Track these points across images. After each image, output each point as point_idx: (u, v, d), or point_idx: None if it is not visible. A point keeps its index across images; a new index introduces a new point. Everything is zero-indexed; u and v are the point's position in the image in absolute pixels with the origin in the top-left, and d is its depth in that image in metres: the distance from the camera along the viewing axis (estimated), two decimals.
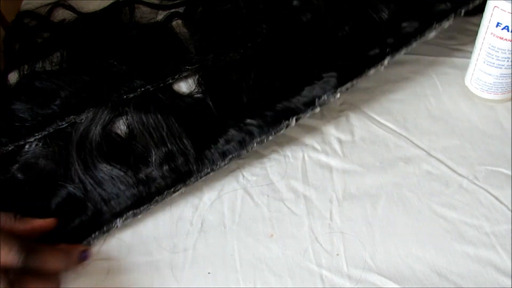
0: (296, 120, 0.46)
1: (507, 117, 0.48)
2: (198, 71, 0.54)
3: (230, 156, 0.45)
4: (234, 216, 0.44)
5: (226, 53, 0.54)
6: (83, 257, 0.42)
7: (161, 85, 0.52)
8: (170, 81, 0.52)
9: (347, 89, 0.47)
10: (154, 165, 0.45)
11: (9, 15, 0.65)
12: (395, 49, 0.48)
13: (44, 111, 0.51)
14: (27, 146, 0.49)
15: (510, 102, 0.50)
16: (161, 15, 0.62)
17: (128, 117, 0.49)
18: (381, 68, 0.48)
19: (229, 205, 0.45)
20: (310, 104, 0.46)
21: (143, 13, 0.62)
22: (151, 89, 0.51)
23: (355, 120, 0.50)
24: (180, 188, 0.45)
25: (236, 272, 0.41)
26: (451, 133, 0.48)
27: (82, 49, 0.57)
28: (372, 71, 0.48)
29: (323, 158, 0.47)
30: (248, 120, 0.47)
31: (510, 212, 0.42)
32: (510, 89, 0.48)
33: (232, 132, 0.46)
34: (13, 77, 0.56)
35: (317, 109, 0.46)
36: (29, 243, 0.39)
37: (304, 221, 0.43)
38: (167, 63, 0.54)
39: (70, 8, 0.63)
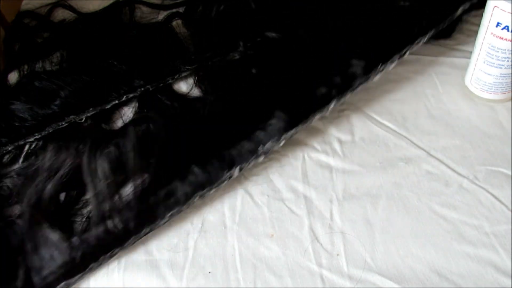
0: (240, 170, 0.44)
1: (507, 117, 0.48)
2: (197, 70, 0.54)
3: (171, 212, 0.42)
4: (234, 216, 0.44)
5: (226, 53, 0.54)
6: None
7: (161, 85, 0.52)
8: (170, 81, 0.52)
9: (291, 136, 0.45)
10: (91, 226, 0.41)
11: (9, 15, 0.65)
12: (341, 90, 0.47)
13: (44, 111, 0.50)
14: (27, 146, 0.49)
15: (510, 102, 0.50)
16: (161, 15, 0.62)
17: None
18: (326, 112, 0.47)
19: (229, 205, 0.45)
20: (254, 152, 0.44)
21: (143, 13, 0.63)
22: (150, 89, 0.51)
23: (355, 120, 0.50)
24: (117, 252, 0.41)
25: (236, 272, 0.41)
26: (451, 133, 0.48)
27: (82, 49, 0.57)
28: (317, 116, 0.46)
29: (323, 158, 0.47)
30: (195, 169, 0.43)
31: (510, 212, 0.42)
32: (510, 89, 0.49)
33: (176, 183, 0.43)
34: (13, 77, 0.56)
35: (261, 158, 0.44)
36: None
37: (304, 221, 0.43)
38: (167, 63, 0.54)
39: (70, 8, 0.64)
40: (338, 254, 0.41)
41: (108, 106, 0.51)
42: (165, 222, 0.43)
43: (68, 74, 0.53)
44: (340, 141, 0.49)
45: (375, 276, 0.39)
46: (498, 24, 0.44)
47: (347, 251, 0.41)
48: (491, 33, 0.45)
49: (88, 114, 0.49)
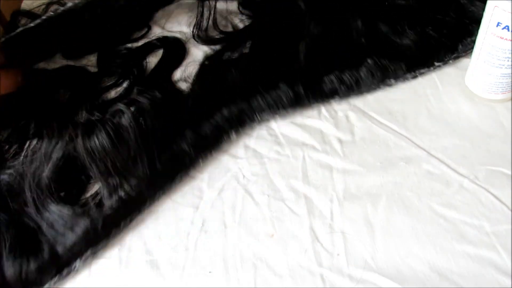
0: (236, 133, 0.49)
1: (507, 117, 0.48)
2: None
3: (179, 174, 0.46)
4: (234, 215, 0.44)
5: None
6: None
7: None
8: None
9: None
10: (103, 197, 0.44)
11: (8, 15, 0.65)
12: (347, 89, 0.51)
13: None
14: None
15: (510, 102, 0.50)
16: None
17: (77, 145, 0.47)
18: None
19: (229, 205, 0.45)
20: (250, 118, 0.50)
21: None
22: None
23: (355, 120, 0.50)
24: (135, 217, 0.44)
25: (236, 271, 0.41)
26: (451, 133, 0.48)
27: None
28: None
29: (323, 157, 0.47)
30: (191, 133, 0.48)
31: (510, 212, 0.42)
32: (511, 89, 0.48)
33: (176, 146, 0.47)
34: None
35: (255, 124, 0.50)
36: None
37: (304, 221, 0.43)
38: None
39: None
40: (338, 254, 0.41)
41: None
42: (177, 183, 0.46)
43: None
44: (341, 141, 0.49)
45: (376, 276, 0.39)
46: (498, 24, 0.44)
47: (347, 250, 0.41)
48: (492, 33, 0.45)
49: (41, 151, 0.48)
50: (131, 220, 0.44)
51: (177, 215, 0.45)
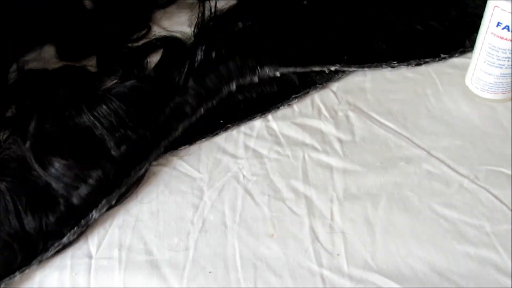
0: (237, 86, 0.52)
1: (508, 117, 0.48)
2: None
3: (182, 123, 0.49)
4: (235, 215, 0.44)
5: None
6: None
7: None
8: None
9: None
10: (112, 148, 0.46)
11: None
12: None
13: None
14: None
15: (510, 102, 0.50)
16: None
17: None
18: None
19: (230, 205, 0.45)
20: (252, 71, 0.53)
21: None
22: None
23: (355, 120, 0.50)
24: (145, 165, 0.46)
25: (236, 271, 0.41)
26: (451, 133, 0.48)
27: None
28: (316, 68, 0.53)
29: (323, 158, 0.47)
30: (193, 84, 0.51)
31: (510, 212, 0.42)
32: (511, 89, 0.48)
33: (178, 99, 0.50)
34: None
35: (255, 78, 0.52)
36: None
37: (304, 221, 0.43)
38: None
39: None
40: (338, 254, 0.41)
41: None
42: (179, 134, 0.49)
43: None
44: (341, 141, 0.49)
45: (376, 276, 0.39)
46: (498, 24, 0.44)
47: (347, 251, 0.41)
48: (492, 33, 0.45)
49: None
50: (140, 169, 0.46)
51: (177, 215, 0.45)
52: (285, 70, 0.52)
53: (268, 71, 0.52)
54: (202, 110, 0.50)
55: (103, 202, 0.44)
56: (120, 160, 0.46)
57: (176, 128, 0.49)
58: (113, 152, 0.46)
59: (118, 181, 0.45)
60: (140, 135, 0.48)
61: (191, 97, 0.50)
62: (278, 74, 0.52)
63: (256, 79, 0.51)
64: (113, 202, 0.45)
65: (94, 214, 0.44)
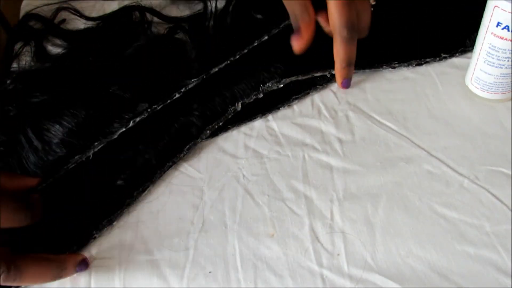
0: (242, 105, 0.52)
1: (508, 117, 0.48)
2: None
3: (187, 146, 0.49)
4: (235, 215, 0.44)
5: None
6: (81, 267, 0.41)
7: (168, 102, 0.51)
8: (177, 95, 0.52)
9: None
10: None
11: (9, 15, 0.65)
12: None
13: (48, 156, 0.49)
14: None
15: (510, 102, 0.50)
16: (163, 27, 0.61)
17: None
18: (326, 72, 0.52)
19: (229, 205, 0.45)
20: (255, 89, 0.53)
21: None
22: (158, 108, 0.50)
23: (355, 120, 0.50)
24: (148, 187, 0.47)
25: (237, 271, 0.41)
26: (451, 133, 0.48)
27: (82, 76, 0.55)
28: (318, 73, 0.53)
29: (323, 158, 0.47)
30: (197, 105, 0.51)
31: (510, 212, 0.42)
32: (511, 89, 0.48)
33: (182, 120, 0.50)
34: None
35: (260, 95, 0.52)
36: (15, 258, 0.38)
37: (304, 221, 0.43)
38: (173, 78, 0.54)
39: (76, 11, 0.63)
40: (338, 254, 0.41)
41: (116, 136, 0.49)
42: (184, 155, 0.49)
43: (67, 108, 0.51)
44: (341, 141, 0.49)
45: (376, 276, 0.39)
46: (498, 24, 0.44)
47: (347, 251, 0.41)
48: (492, 33, 0.45)
49: (95, 150, 0.48)
50: (143, 191, 0.46)
51: (177, 215, 0.45)
52: (287, 80, 0.52)
53: (271, 85, 0.52)
54: (208, 132, 0.50)
55: (104, 222, 0.44)
56: (123, 187, 0.46)
57: (181, 150, 0.49)
58: (119, 182, 0.47)
59: (121, 203, 0.45)
60: (145, 159, 0.48)
61: (196, 118, 0.50)
62: (281, 85, 0.52)
63: (260, 95, 0.52)
64: (114, 223, 0.45)
65: (95, 234, 0.44)
